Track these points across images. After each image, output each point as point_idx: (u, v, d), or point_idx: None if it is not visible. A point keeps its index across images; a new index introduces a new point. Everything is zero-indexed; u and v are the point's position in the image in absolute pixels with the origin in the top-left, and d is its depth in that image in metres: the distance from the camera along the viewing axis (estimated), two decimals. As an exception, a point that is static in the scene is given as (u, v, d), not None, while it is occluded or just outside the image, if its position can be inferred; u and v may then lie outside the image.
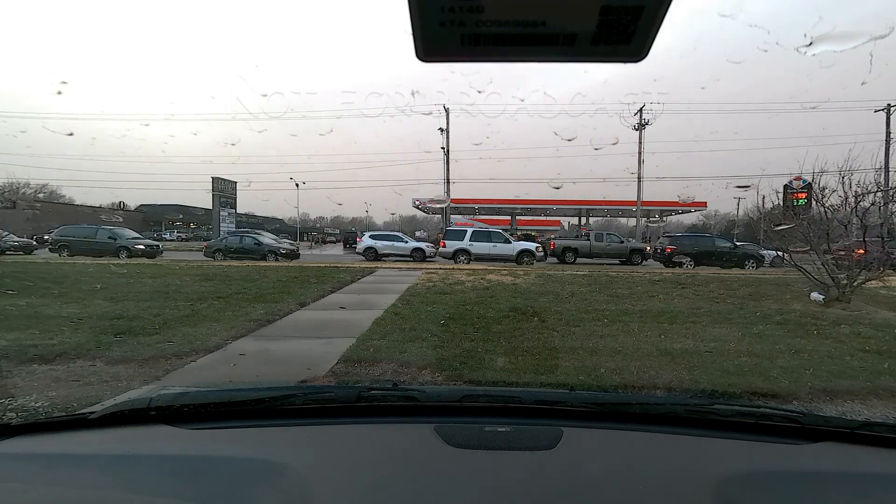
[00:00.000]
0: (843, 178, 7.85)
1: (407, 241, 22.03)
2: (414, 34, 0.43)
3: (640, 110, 30.69)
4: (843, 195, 7.93)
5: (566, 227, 56.90)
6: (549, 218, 53.78)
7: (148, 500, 0.79)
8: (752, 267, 18.08)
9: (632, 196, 34.09)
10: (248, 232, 23.56)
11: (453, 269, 14.58)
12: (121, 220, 52.42)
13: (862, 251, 7.60)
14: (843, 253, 8.04)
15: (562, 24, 0.42)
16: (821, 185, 8.38)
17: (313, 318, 6.41)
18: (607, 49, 0.44)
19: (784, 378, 3.73)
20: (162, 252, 21.19)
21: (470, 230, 20.67)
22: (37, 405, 2.97)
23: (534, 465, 0.89)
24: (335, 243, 51.02)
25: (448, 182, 32.07)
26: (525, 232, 49.87)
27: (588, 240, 22.03)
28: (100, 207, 58.39)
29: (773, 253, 18.65)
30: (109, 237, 20.14)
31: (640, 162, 31.76)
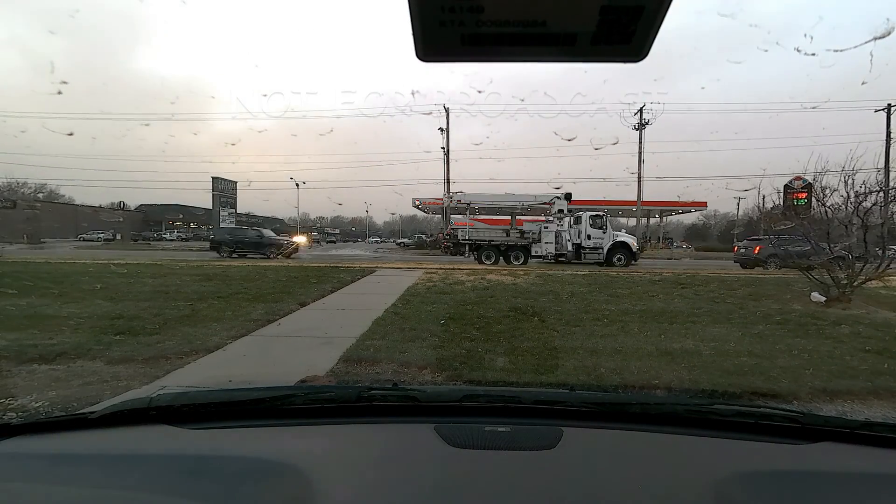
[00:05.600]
0: (844, 178, 7.86)
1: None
2: (414, 34, 0.43)
3: (640, 110, 30.74)
4: (844, 195, 7.94)
5: (566, 227, 56.78)
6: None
7: (148, 500, 0.79)
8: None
9: (632, 196, 34.13)
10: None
11: (453, 268, 14.58)
12: (121, 219, 52.49)
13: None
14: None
15: (562, 24, 0.42)
16: (821, 185, 8.39)
17: (313, 317, 6.40)
18: (607, 49, 0.44)
19: (784, 378, 3.73)
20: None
21: None
22: (37, 405, 2.97)
23: (534, 464, 0.89)
24: (334, 243, 51.06)
25: (448, 182, 32.08)
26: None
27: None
28: (100, 207, 58.44)
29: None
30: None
31: (640, 162, 31.80)
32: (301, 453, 0.95)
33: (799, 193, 23.21)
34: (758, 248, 16.24)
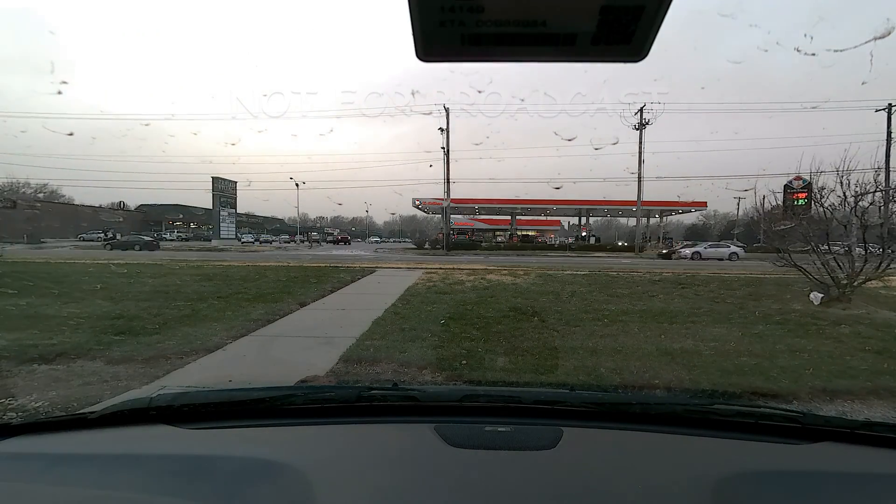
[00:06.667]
0: (841, 178, 7.85)
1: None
2: (414, 34, 0.43)
3: (641, 110, 30.75)
4: (841, 195, 7.93)
5: (566, 227, 56.96)
6: (549, 218, 53.79)
7: (148, 500, 0.79)
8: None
9: (632, 196, 34.13)
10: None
11: (453, 268, 14.58)
12: (121, 220, 52.49)
13: None
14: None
15: (562, 24, 0.42)
16: (820, 185, 8.39)
17: (313, 317, 6.40)
18: (607, 49, 0.44)
19: (784, 378, 3.73)
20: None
21: None
22: (37, 405, 2.97)
23: (534, 464, 0.89)
24: (335, 243, 51.10)
25: (448, 182, 32.10)
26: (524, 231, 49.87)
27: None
28: (100, 207, 58.46)
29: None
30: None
31: (640, 162, 31.80)
32: (301, 453, 0.95)
33: (799, 193, 23.23)
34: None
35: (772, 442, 1.00)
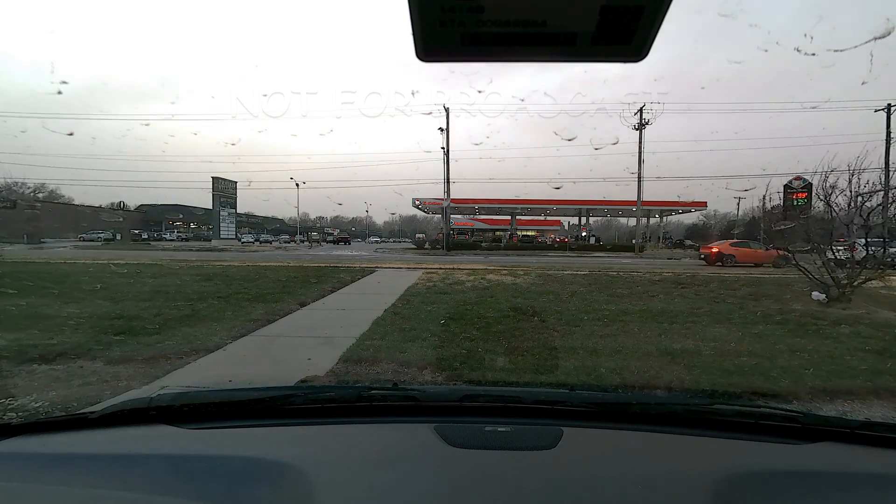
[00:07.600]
0: (850, 177, 7.85)
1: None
2: (414, 34, 0.43)
3: (641, 110, 30.73)
4: (848, 195, 7.93)
5: (566, 227, 57.01)
6: (549, 218, 53.80)
7: (148, 500, 0.79)
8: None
9: (632, 196, 34.11)
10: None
11: (453, 268, 14.58)
12: (121, 219, 52.50)
13: None
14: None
15: (562, 24, 0.42)
16: (821, 185, 8.38)
17: (313, 317, 6.40)
18: (607, 49, 0.44)
19: (784, 378, 3.73)
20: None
21: None
22: (37, 405, 2.97)
23: (534, 465, 0.89)
24: (335, 243, 51.10)
25: (448, 182, 32.09)
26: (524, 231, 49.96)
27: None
28: (100, 207, 58.47)
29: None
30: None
31: (640, 162, 31.78)
32: (301, 453, 0.95)
33: (799, 193, 23.25)
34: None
35: (771, 442, 1.00)
